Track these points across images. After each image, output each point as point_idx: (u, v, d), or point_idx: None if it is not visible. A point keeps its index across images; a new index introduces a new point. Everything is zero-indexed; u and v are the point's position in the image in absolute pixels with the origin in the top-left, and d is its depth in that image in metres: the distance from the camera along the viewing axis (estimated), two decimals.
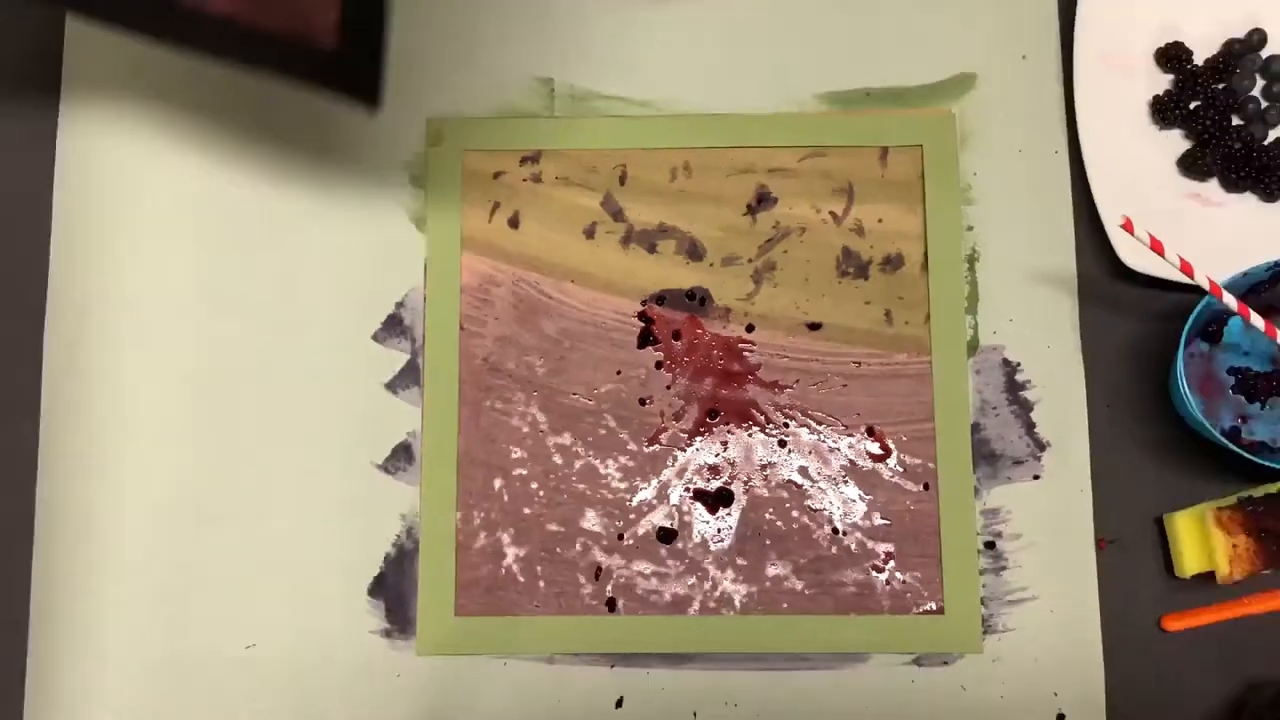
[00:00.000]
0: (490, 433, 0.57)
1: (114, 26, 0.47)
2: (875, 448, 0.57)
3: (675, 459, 0.57)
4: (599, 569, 0.56)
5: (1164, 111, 0.58)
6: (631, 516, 0.56)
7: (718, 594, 0.56)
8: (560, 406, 0.57)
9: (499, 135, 0.59)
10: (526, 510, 0.57)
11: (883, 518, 0.56)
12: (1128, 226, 0.49)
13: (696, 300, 0.58)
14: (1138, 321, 0.58)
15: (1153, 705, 0.55)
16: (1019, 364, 0.57)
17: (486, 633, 0.55)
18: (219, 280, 0.59)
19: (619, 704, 0.55)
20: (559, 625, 0.55)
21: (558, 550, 0.56)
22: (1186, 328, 0.51)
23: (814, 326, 0.58)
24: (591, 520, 0.57)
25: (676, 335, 0.58)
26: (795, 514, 0.56)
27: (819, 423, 0.57)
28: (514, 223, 0.59)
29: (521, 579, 0.56)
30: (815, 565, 0.56)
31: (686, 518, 0.57)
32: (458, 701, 0.55)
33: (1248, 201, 0.58)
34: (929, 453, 0.56)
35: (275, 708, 0.55)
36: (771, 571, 0.56)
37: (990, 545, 0.56)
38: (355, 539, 0.57)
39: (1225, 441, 0.51)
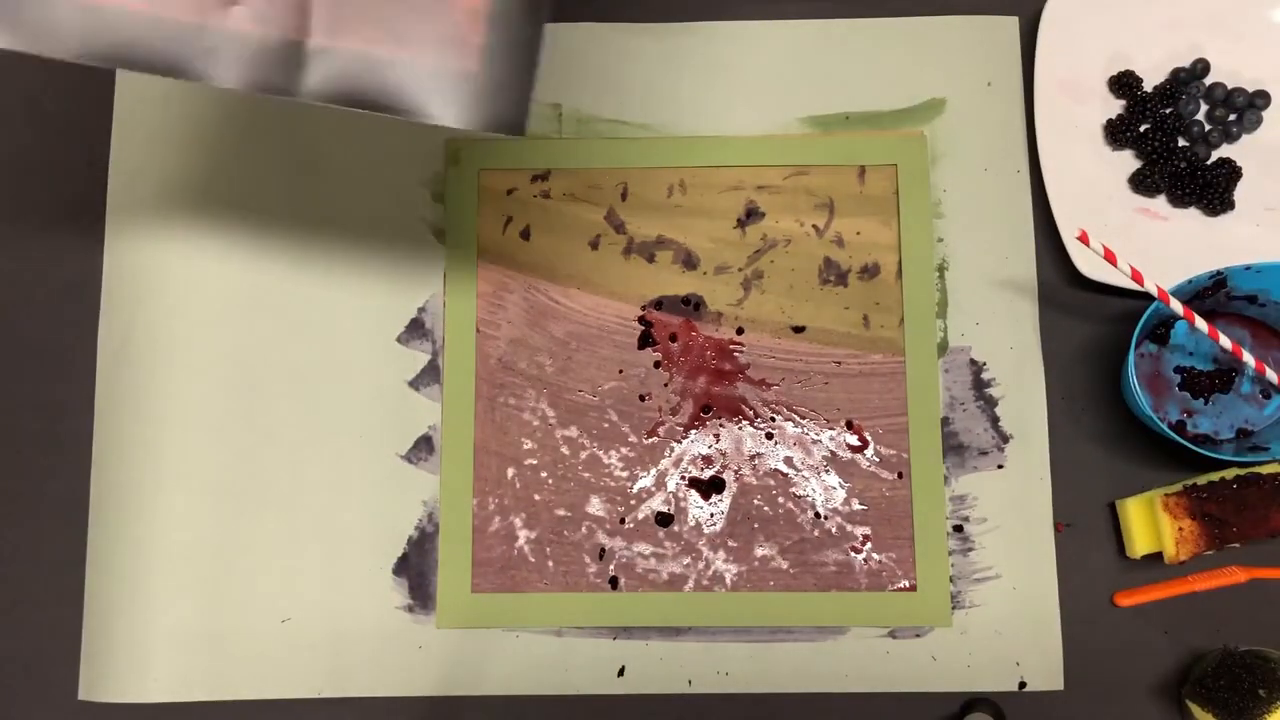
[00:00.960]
0: (504, 426, 0.59)
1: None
2: (854, 440, 0.58)
3: (672, 450, 0.59)
4: (602, 550, 0.58)
5: (1116, 134, 0.60)
6: (632, 502, 0.58)
7: (710, 573, 0.57)
8: (567, 402, 0.59)
9: (512, 155, 0.61)
10: (537, 496, 0.58)
11: (860, 503, 0.58)
12: (1083, 238, 0.51)
13: (691, 305, 0.60)
14: (1092, 325, 0.59)
15: (1106, 674, 0.56)
16: (984, 363, 0.59)
17: (500, 608, 0.57)
18: (258, 287, 0.60)
19: (621, 673, 0.57)
20: (566, 601, 0.57)
21: (565, 533, 0.58)
22: (1137, 330, 0.53)
23: (798, 329, 0.59)
24: (596, 506, 0.58)
25: (673, 337, 0.60)
26: (781, 500, 0.58)
27: (803, 417, 0.59)
28: (525, 235, 0.61)
29: (532, 559, 0.58)
30: (799, 547, 0.57)
31: (682, 503, 0.58)
32: (474, 670, 0.57)
33: (1192, 215, 0.59)
34: (903, 444, 0.58)
35: (308, 676, 0.57)
36: (759, 552, 0.58)
37: (958, 528, 0.57)
38: (381, 523, 0.58)
39: (1172, 434, 0.52)
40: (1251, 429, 0.57)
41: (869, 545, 0.58)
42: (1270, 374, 0.55)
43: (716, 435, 0.59)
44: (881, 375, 0.59)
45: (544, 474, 0.59)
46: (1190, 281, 0.53)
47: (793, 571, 0.57)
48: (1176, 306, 0.52)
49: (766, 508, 0.58)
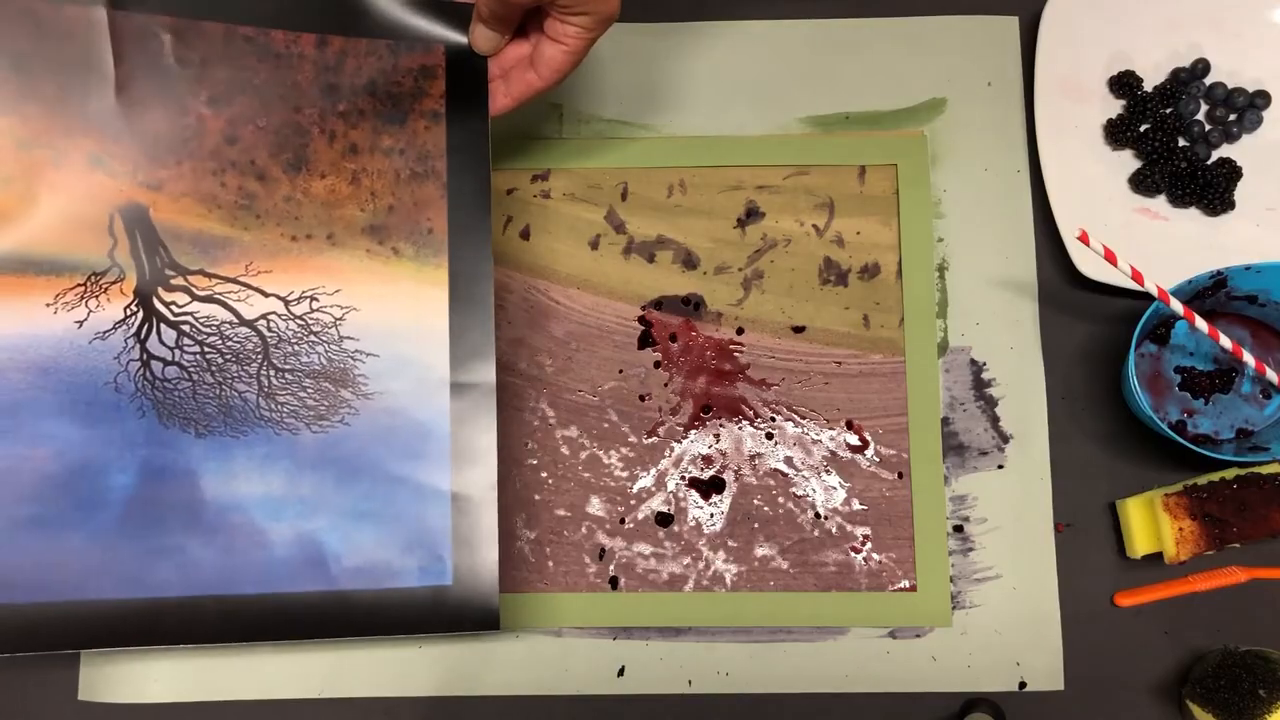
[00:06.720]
0: (504, 426, 0.58)
1: None
2: (854, 440, 0.59)
3: (672, 450, 0.59)
4: (602, 550, 0.58)
5: (1116, 134, 0.60)
6: (632, 502, 0.58)
7: (710, 573, 0.58)
8: (567, 402, 0.59)
9: (512, 155, 0.61)
10: (537, 497, 0.58)
11: (861, 503, 0.58)
12: (1084, 238, 0.52)
13: (691, 305, 0.60)
14: (1092, 325, 0.59)
15: (1106, 674, 0.56)
16: (985, 364, 0.59)
17: (501, 608, 0.56)
18: None
19: (620, 673, 0.57)
20: (566, 601, 0.57)
21: (565, 533, 0.58)
22: (1137, 330, 0.53)
23: (798, 329, 0.60)
24: (596, 506, 0.58)
25: (673, 337, 0.60)
26: (781, 500, 0.58)
27: (803, 417, 0.59)
28: (525, 235, 0.61)
29: (532, 559, 0.58)
30: (799, 547, 0.58)
31: (682, 503, 0.58)
32: (474, 669, 0.57)
33: (1192, 215, 0.59)
34: (903, 444, 0.58)
35: (307, 676, 0.57)
36: (759, 552, 0.58)
37: (959, 529, 0.58)
38: None
39: (1172, 434, 0.53)
40: (1251, 429, 0.57)
41: (869, 545, 0.58)
42: (1270, 374, 0.55)
43: (716, 435, 0.59)
44: (881, 375, 0.59)
45: (544, 474, 0.59)
46: (1190, 281, 0.53)
47: (793, 571, 0.57)
48: (1176, 306, 0.52)
49: (766, 508, 0.58)
